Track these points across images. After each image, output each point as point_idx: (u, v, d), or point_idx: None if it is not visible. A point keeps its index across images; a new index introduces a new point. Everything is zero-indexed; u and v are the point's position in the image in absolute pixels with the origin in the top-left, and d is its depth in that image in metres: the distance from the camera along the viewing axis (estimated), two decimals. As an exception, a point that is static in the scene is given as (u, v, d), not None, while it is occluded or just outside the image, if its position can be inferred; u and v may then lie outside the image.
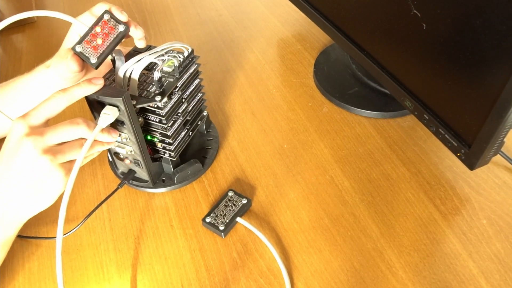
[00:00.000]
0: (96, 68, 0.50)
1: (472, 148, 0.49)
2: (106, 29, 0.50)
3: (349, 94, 0.73)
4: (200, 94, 0.62)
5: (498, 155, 0.58)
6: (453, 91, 0.51)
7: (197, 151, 0.66)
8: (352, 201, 0.58)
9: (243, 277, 0.52)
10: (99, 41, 0.49)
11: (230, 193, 0.59)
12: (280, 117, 0.71)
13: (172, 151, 0.59)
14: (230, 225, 0.55)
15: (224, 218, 0.56)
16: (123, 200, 0.61)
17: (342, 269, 0.52)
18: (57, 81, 0.56)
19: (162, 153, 0.60)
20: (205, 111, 0.66)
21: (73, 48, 0.50)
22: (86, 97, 0.51)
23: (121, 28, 0.50)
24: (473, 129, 0.49)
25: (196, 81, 0.60)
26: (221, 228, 0.55)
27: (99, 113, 0.50)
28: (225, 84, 0.78)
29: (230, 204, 0.57)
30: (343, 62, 0.80)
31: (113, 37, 0.50)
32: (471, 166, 0.51)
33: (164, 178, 0.62)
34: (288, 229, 0.56)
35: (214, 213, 0.56)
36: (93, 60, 0.50)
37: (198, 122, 0.64)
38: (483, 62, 0.45)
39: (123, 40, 0.52)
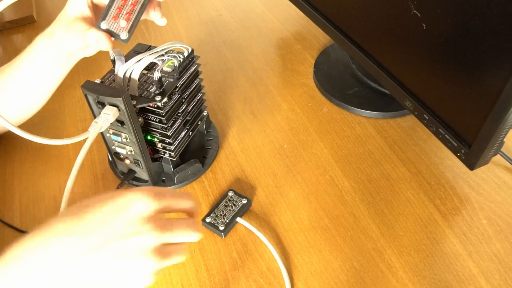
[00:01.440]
0: (127, 43, 0.46)
1: (472, 148, 0.49)
2: None
3: (349, 94, 0.73)
4: (200, 94, 0.62)
5: (498, 155, 0.58)
6: (453, 91, 0.51)
7: (197, 151, 0.66)
8: (352, 201, 0.58)
9: (243, 277, 0.52)
10: (126, 14, 0.45)
11: (230, 193, 0.58)
12: (280, 117, 0.71)
13: (172, 151, 0.59)
14: (230, 225, 0.55)
15: (224, 218, 0.56)
16: (123, 200, 0.61)
17: (342, 269, 0.52)
18: (61, 53, 0.54)
19: (162, 153, 0.60)
20: (205, 111, 0.66)
21: (98, 26, 0.45)
22: (86, 97, 0.52)
23: None
24: (473, 129, 0.49)
25: (196, 81, 0.60)
26: (221, 228, 0.55)
27: (99, 113, 0.50)
28: (225, 84, 0.78)
29: (230, 204, 0.57)
30: (343, 62, 0.80)
31: (139, 6, 0.45)
32: (471, 166, 0.51)
33: (164, 178, 0.62)
34: (288, 229, 0.56)
35: (214, 213, 0.56)
36: (124, 36, 0.46)
37: (198, 122, 0.64)
38: (483, 62, 0.45)
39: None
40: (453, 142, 0.52)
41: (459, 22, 0.46)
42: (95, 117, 0.54)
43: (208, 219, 0.56)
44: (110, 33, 0.45)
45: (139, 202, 0.35)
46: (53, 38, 0.53)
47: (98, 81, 0.54)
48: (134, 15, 0.44)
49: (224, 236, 0.55)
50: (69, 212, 0.35)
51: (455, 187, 0.59)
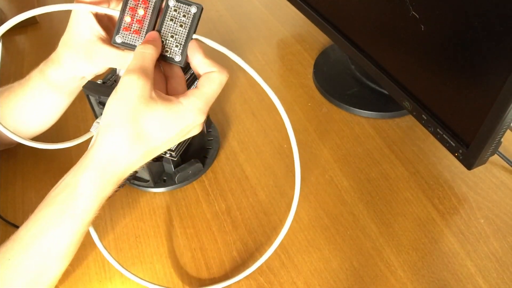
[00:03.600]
0: None
1: (470, 148, 0.50)
2: (140, 5, 0.42)
3: (348, 95, 0.73)
4: (200, 95, 0.63)
5: (496, 155, 0.59)
6: (451, 91, 0.51)
7: (198, 151, 0.66)
8: (351, 201, 0.59)
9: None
10: (138, 22, 0.42)
11: (171, 2, 0.42)
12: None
13: (173, 151, 0.59)
14: (186, 47, 0.43)
15: (176, 41, 0.43)
16: (124, 199, 0.62)
17: (341, 268, 0.52)
18: (72, 80, 0.51)
19: (163, 153, 0.61)
20: (206, 112, 0.66)
21: (114, 41, 0.43)
22: (88, 97, 0.52)
23: None
24: (471, 129, 0.49)
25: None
26: (178, 59, 0.43)
27: (100, 113, 0.50)
28: (225, 84, 0.79)
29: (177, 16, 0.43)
30: (343, 63, 0.80)
31: (151, 11, 0.42)
32: (469, 166, 0.51)
33: (165, 178, 0.62)
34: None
35: (162, 36, 0.43)
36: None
37: (198, 122, 0.65)
38: (481, 63, 0.45)
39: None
40: (451, 142, 0.52)
41: (457, 23, 0.47)
42: (96, 117, 0.54)
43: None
44: (126, 46, 0.43)
45: (199, 127, 0.42)
46: (62, 68, 0.50)
47: (99, 81, 0.54)
48: (147, 22, 0.43)
49: (181, 64, 0.44)
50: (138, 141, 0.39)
51: (453, 187, 0.59)
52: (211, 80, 0.42)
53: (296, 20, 0.93)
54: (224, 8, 0.98)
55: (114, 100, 0.39)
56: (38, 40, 0.93)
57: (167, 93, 0.42)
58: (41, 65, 0.53)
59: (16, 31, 0.95)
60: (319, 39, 0.87)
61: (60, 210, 0.39)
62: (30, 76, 0.54)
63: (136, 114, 0.38)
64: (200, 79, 0.42)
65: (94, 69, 0.49)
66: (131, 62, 0.39)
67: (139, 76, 0.38)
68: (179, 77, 0.44)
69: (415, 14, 0.51)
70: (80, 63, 0.48)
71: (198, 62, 0.42)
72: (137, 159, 0.40)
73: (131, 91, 0.38)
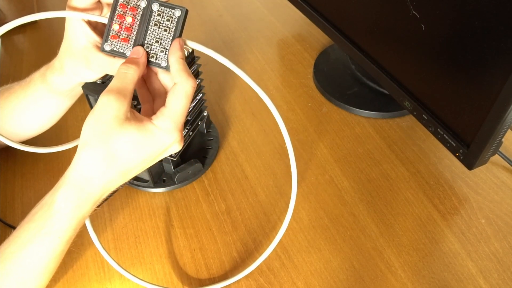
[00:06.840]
0: None
1: (471, 148, 0.50)
2: (128, 13, 0.42)
3: (349, 95, 0.73)
4: (200, 95, 0.63)
5: (497, 155, 0.59)
6: (452, 91, 0.51)
7: (198, 151, 0.66)
8: (352, 201, 0.59)
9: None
10: (126, 30, 0.42)
11: (155, 6, 0.41)
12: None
13: (173, 151, 0.59)
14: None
15: (161, 46, 0.42)
16: (123, 199, 0.62)
17: (341, 269, 0.52)
18: (74, 85, 0.52)
19: (163, 153, 0.60)
20: (206, 111, 0.66)
21: (102, 49, 0.43)
22: (87, 97, 0.52)
23: (143, 3, 0.41)
24: (471, 129, 0.49)
25: (196, 82, 0.61)
26: (164, 64, 0.42)
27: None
28: (225, 84, 0.79)
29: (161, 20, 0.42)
30: (343, 63, 0.80)
31: (139, 18, 0.42)
32: (470, 166, 0.51)
33: (164, 178, 0.62)
34: (288, 228, 0.56)
35: (147, 42, 0.42)
36: (128, 53, 0.43)
37: (198, 122, 0.64)
38: (482, 63, 0.45)
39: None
40: (452, 142, 0.52)
41: (457, 22, 0.47)
42: (96, 117, 0.54)
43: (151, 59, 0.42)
44: (115, 53, 0.43)
45: (177, 144, 0.41)
46: (65, 75, 0.50)
47: (99, 81, 0.54)
48: (136, 30, 0.42)
49: (168, 70, 0.43)
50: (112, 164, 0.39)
51: (453, 187, 0.59)
52: (176, 95, 0.40)
53: (296, 20, 0.92)
54: (224, 8, 0.98)
55: (90, 120, 0.38)
56: (37, 40, 0.93)
57: (154, 113, 0.41)
58: (43, 70, 0.53)
59: (15, 31, 0.94)
60: (319, 39, 0.87)
61: (36, 227, 0.40)
62: (31, 79, 0.54)
63: (110, 136, 0.38)
64: (168, 95, 0.40)
65: (94, 74, 0.49)
66: (112, 81, 0.39)
67: (116, 97, 0.38)
68: (165, 96, 0.43)
69: (416, 14, 0.51)
70: (81, 69, 0.49)
71: (173, 69, 0.40)
72: (113, 179, 0.40)
73: (107, 112, 0.38)
